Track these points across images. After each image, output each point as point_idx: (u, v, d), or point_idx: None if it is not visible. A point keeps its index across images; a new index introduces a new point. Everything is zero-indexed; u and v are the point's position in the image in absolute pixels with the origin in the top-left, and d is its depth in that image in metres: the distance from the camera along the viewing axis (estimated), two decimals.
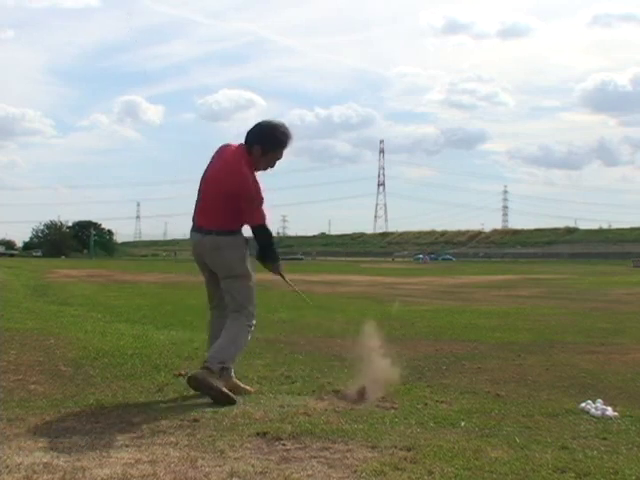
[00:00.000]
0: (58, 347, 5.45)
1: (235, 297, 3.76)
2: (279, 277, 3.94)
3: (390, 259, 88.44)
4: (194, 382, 3.58)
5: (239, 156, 3.74)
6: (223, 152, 3.82)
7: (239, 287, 3.76)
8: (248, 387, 3.84)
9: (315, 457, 2.61)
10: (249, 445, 2.76)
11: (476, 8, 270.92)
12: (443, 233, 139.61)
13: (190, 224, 3.88)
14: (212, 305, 3.98)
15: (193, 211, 3.88)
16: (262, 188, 3.74)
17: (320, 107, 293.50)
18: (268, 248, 3.83)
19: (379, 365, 3.83)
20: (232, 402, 3.48)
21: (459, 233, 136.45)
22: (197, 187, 3.87)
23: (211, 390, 3.51)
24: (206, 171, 3.83)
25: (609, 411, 3.34)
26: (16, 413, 3.22)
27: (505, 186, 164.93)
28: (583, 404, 3.48)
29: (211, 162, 3.84)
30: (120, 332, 6.47)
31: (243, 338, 3.75)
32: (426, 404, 3.55)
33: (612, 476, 2.43)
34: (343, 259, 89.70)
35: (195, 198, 3.89)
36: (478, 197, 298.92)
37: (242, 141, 3.82)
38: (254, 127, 3.81)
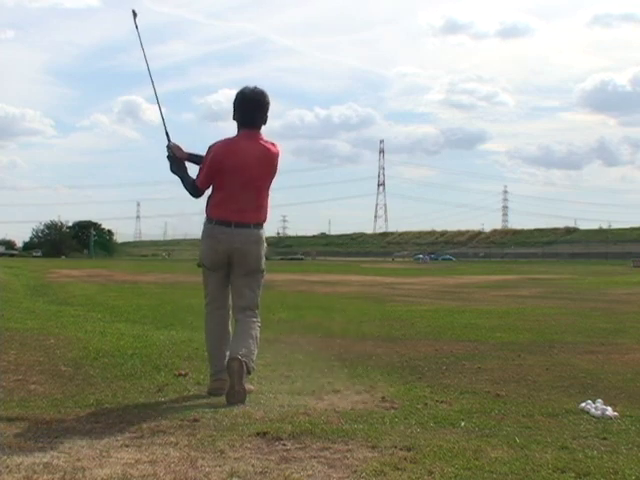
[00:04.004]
0: (58, 347, 5.44)
1: (256, 292, 3.84)
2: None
3: (390, 259, 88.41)
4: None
5: (270, 145, 3.80)
6: (250, 148, 3.74)
7: (260, 282, 3.87)
8: (251, 386, 3.83)
9: (315, 457, 2.61)
10: (249, 445, 2.76)
11: (475, 8, 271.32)
12: (443, 233, 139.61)
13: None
14: (216, 305, 3.89)
15: (213, 205, 3.81)
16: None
17: (320, 107, 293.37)
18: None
19: None
20: (243, 401, 3.51)
21: (459, 233, 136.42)
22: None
23: (246, 395, 3.54)
24: (237, 165, 3.71)
25: (609, 411, 3.34)
26: (16, 413, 3.22)
27: (505, 186, 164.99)
28: (583, 404, 3.47)
29: (233, 154, 3.73)
30: (120, 332, 6.47)
31: (259, 337, 3.81)
32: (426, 404, 3.55)
33: (612, 476, 2.43)
34: (343, 259, 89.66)
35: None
36: (478, 197, 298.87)
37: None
38: (251, 110, 3.76)
